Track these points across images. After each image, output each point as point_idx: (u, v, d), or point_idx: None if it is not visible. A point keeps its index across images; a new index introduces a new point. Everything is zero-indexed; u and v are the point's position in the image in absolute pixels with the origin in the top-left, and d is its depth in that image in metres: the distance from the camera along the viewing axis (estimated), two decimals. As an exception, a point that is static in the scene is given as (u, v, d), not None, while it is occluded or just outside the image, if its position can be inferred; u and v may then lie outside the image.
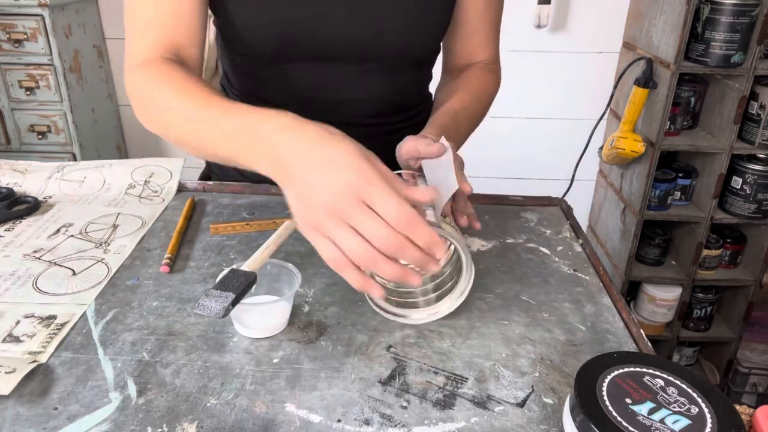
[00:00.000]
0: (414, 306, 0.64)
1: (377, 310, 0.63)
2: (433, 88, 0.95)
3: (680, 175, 1.80)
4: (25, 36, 1.69)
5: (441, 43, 0.88)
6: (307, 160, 0.49)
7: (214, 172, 0.99)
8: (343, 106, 0.83)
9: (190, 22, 0.72)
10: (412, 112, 0.91)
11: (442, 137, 0.67)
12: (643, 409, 0.44)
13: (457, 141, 0.79)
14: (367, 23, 0.76)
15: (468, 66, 0.90)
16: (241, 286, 0.55)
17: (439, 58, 0.92)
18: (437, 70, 0.93)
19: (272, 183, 0.94)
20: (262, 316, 0.60)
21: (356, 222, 0.46)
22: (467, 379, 0.56)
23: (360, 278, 0.47)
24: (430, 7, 0.79)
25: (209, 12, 0.79)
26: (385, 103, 0.86)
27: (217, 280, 0.57)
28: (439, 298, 0.65)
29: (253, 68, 0.83)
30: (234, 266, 0.59)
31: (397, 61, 0.82)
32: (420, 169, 0.69)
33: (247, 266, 0.59)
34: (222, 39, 0.84)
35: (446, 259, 0.67)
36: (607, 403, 0.44)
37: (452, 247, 0.66)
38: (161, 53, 0.70)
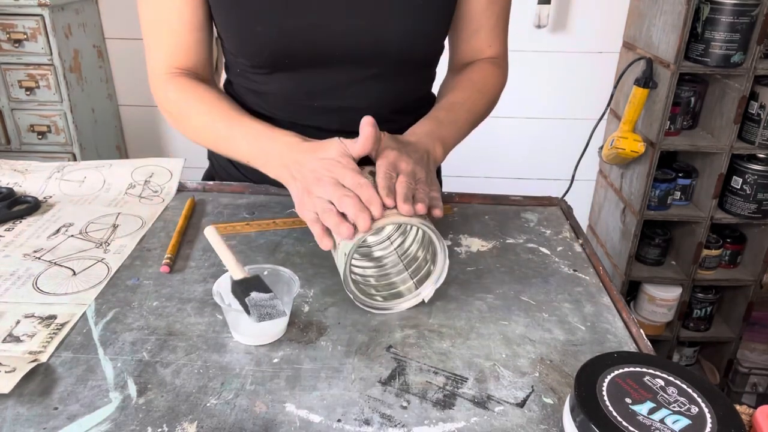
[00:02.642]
0: (399, 296, 0.66)
1: (364, 308, 0.64)
2: (436, 87, 0.94)
3: (680, 175, 1.80)
4: (25, 36, 1.69)
5: (445, 42, 0.87)
6: (302, 166, 0.66)
7: (217, 172, 0.99)
8: (343, 112, 0.82)
9: (198, 50, 0.82)
10: (414, 114, 0.89)
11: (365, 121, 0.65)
12: (643, 408, 0.44)
13: (456, 132, 0.78)
14: (366, 30, 0.75)
15: (474, 61, 0.89)
16: (263, 284, 0.59)
17: (444, 57, 0.91)
18: (440, 69, 0.92)
19: (272, 183, 0.95)
20: (260, 323, 0.59)
21: (326, 189, 0.62)
22: (467, 379, 0.56)
23: (320, 232, 0.62)
24: (430, 10, 0.77)
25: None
26: (387, 107, 0.84)
27: (229, 293, 0.60)
28: (419, 284, 0.66)
29: (252, 76, 0.82)
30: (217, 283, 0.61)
31: (398, 65, 0.81)
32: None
33: (236, 276, 0.60)
34: (221, 47, 0.85)
35: (417, 243, 0.69)
36: (607, 403, 0.44)
37: (419, 231, 0.67)
38: (178, 72, 0.82)
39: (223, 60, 0.91)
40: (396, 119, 0.87)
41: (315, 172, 0.63)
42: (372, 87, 0.81)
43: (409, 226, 0.68)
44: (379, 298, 0.65)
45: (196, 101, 0.79)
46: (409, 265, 0.69)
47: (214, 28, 0.83)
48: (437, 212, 0.63)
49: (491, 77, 0.86)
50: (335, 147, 0.64)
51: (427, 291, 0.65)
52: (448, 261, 0.63)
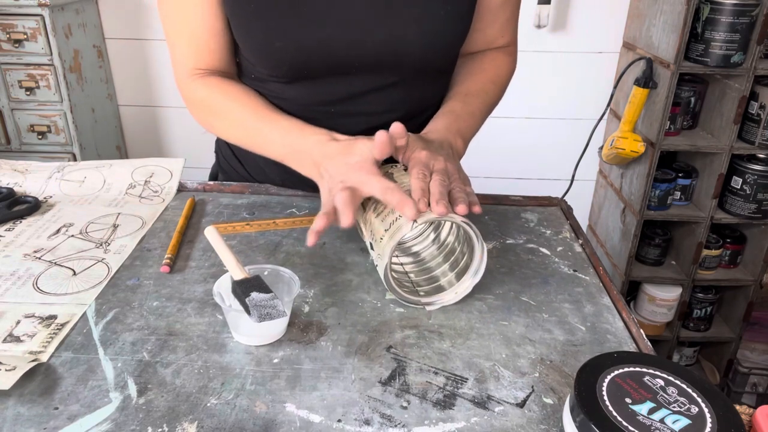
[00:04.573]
0: (441, 290, 0.67)
1: (408, 304, 0.65)
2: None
3: (680, 175, 1.80)
4: (25, 36, 1.70)
5: None
6: (329, 168, 0.68)
7: (222, 167, 0.99)
8: (360, 116, 0.82)
9: (221, 52, 0.81)
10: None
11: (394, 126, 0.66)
12: (643, 408, 0.44)
13: (473, 124, 0.80)
14: (387, 41, 0.74)
15: (484, 50, 0.89)
16: (264, 284, 0.59)
17: None
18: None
19: (273, 183, 0.94)
20: (260, 323, 0.59)
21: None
22: (467, 379, 0.56)
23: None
24: (449, 21, 0.76)
25: None
26: (404, 113, 0.83)
27: (230, 295, 0.60)
28: (458, 276, 0.67)
29: (269, 84, 0.82)
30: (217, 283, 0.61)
31: (417, 73, 0.80)
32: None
33: (236, 276, 0.60)
34: (237, 55, 0.84)
35: (452, 235, 0.70)
36: (607, 402, 0.44)
37: (453, 223, 0.69)
38: (204, 72, 0.82)
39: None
40: (413, 124, 0.86)
41: (339, 176, 0.65)
42: (390, 94, 0.80)
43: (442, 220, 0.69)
44: (422, 293, 0.66)
45: (225, 99, 0.80)
46: (447, 257, 0.70)
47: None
48: (476, 209, 0.63)
49: (502, 66, 0.88)
50: (359, 152, 0.66)
51: (466, 284, 0.66)
52: (486, 253, 0.64)
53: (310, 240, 0.62)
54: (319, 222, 0.62)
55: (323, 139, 0.71)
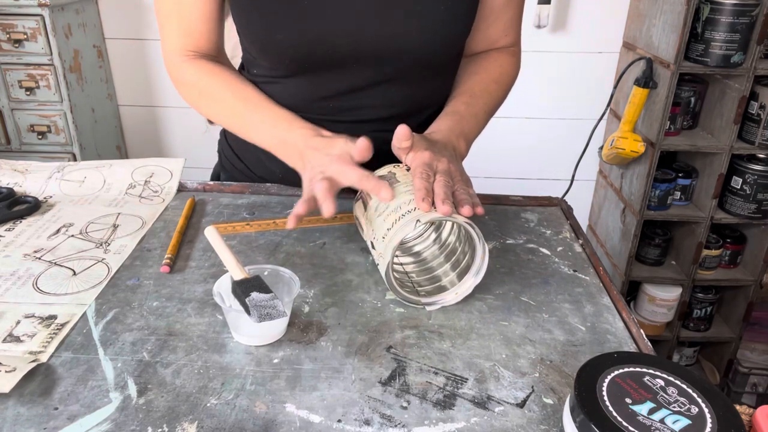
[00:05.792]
0: (443, 289, 0.67)
1: (409, 304, 0.65)
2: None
3: (680, 175, 1.80)
4: (25, 36, 1.70)
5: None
6: (311, 159, 0.70)
7: (224, 167, 0.98)
8: (358, 110, 0.82)
9: (211, 37, 0.83)
10: (430, 116, 0.88)
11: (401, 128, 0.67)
12: (643, 409, 0.44)
13: (476, 125, 0.80)
14: (388, 36, 0.74)
15: (488, 50, 0.89)
16: (264, 285, 0.59)
17: None
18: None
19: (273, 177, 0.95)
20: (260, 323, 0.59)
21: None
22: (467, 379, 0.56)
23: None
24: (450, 18, 0.76)
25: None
26: (402, 108, 0.83)
27: (230, 295, 0.60)
28: (460, 276, 0.67)
29: (270, 78, 0.82)
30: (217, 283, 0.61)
31: (416, 69, 0.80)
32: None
33: (236, 276, 0.60)
34: (241, 48, 0.85)
35: (453, 234, 0.71)
36: (607, 403, 0.44)
37: (454, 223, 0.69)
38: (194, 55, 0.83)
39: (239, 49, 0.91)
40: (413, 123, 0.86)
41: (320, 167, 0.68)
42: (388, 89, 0.80)
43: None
44: (423, 293, 0.66)
45: (217, 84, 0.81)
46: (448, 257, 0.70)
47: (234, 28, 0.83)
48: (479, 210, 0.63)
49: (506, 66, 0.87)
50: (339, 146, 0.69)
51: (468, 284, 0.66)
52: (488, 253, 0.64)
53: (291, 223, 0.65)
54: (299, 207, 0.65)
55: (309, 133, 0.73)
